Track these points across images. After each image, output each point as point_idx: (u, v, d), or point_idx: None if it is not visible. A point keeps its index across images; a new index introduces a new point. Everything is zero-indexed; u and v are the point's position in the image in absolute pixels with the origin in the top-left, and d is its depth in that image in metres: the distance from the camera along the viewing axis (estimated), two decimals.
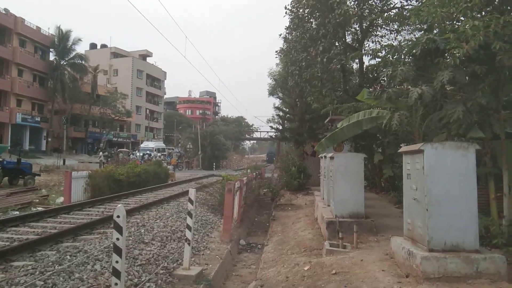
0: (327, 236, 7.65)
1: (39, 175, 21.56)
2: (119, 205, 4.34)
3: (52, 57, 48.12)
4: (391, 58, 7.56)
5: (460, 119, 6.04)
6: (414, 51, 6.79)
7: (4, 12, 40.93)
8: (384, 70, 7.68)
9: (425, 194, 4.84)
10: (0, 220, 9.28)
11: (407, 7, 13.92)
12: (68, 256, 6.26)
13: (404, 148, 6.10)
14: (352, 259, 5.79)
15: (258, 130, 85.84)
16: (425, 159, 4.87)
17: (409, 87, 8.33)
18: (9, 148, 29.87)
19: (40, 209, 12.04)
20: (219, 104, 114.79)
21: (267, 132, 74.77)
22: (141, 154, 43.89)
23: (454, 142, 5.47)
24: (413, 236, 5.27)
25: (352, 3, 14.35)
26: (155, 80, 74.97)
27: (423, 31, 7.62)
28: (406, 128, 7.97)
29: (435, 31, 7.07)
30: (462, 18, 7.03)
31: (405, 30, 14.59)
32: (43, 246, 7.10)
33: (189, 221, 6.24)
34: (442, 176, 4.83)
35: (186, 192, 15.42)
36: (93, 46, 69.82)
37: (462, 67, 6.48)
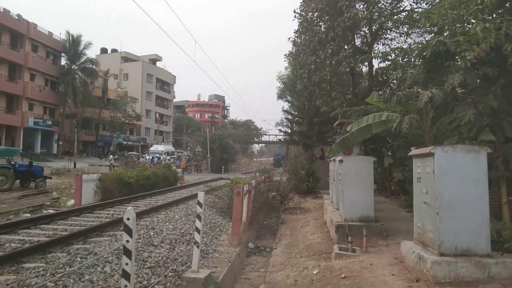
0: (336, 239, 7.61)
1: (50, 178, 21.79)
2: (129, 207, 4.38)
3: (63, 61, 48.94)
4: (401, 61, 7.52)
5: (471, 122, 5.98)
6: (424, 53, 6.75)
7: (17, 18, 41.65)
8: (394, 73, 7.65)
9: (436, 198, 4.80)
10: (12, 223, 9.41)
11: (417, 9, 13.86)
12: (78, 258, 6.31)
13: (414, 151, 6.05)
14: (362, 263, 5.75)
15: (267, 133, 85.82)
16: (436, 163, 4.83)
17: (419, 90, 8.28)
18: (21, 151, 30.29)
19: (51, 211, 12.18)
20: (228, 107, 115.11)
21: (276, 135, 74.53)
22: (151, 157, 44.20)
23: (465, 145, 5.40)
24: (423, 240, 5.22)
25: (362, 6, 14.32)
26: (165, 84, 75.52)
27: (433, 34, 7.58)
28: (416, 131, 7.90)
29: (445, 34, 7.02)
30: (473, 21, 6.97)
31: (415, 32, 14.50)
32: (54, 248, 7.17)
33: (198, 224, 6.25)
34: (453, 179, 4.78)
35: (195, 195, 15.51)
36: (103, 50, 70.64)
37: (473, 69, 6.42)
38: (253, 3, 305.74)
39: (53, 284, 5.05)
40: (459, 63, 6.29)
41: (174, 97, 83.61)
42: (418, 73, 6.73)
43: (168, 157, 47.41)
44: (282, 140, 39.85)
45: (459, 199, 4.76)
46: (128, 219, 4.09)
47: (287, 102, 40.35)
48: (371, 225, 7.55)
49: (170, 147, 57.67)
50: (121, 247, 6.50)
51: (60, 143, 46.90)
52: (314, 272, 5.87)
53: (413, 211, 5.75)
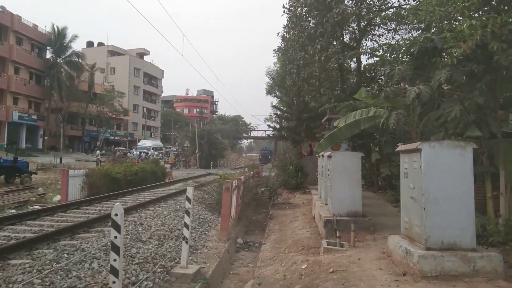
0: (324, 234, 7.67)
1: (35, 173, 21.48)
2: (117, 203, 4.34)
3: (48, 55, 47.99)
4: (389, 57, 7.58)
5: (458, 118, 6.07)
6: (411, 50, 6.81)
7: (0, 9, 40.72)
8: (382, 69, 7.70)
9: (423, 193, 4.86)
10: None
11: (404, 6, 13.95)
12: (65, 255, 6.24)
13: (401, 147, 6.11)
14: (350, 257, 5.81)
15: (256, 129, 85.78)
16: (423, 158, 4.89)
17: (407, 86, 8.36)
18: (5, 146, 29.75)
19: (37, 207, 12.01)
20: (216, 102, 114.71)
21: (265, 131, 74.44)
22: (138, 152, 43.84)
23: (451, 141, 5.47)
24: (410, 235, 5.29)
25: (350, 2, 14.37)
26: (152, 78, 74.84)
27: (420, 30, 7.64)
28: (403, 127, 7.99)
29: (432, 30, 7.09)
30: (459, 18, 7.05)
31: (402, 29, 14.63)
32: (40, 244, 7.08)
33: (187, 219, 6.24)
34: (439, 175, 4.85)
35: (184, 191, 15.45)
36: (90, 44, 69.60)
37: (459, 66, 6.49)
38: None
39: (40, 281, 4.99)
40: (446, 59, 6.36)
41: (162, 92, 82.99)
42: (406, 70, 6.79)
43: (156, 153, 47.06)
44: (271, 135, 39.88)
45: (446, 194, 4.83)
46: (116, 215, 4.06)
47: (276, 98, 40.39)
48: (359, 220, 7.62)
49: (158, 143, 57.28)
50: (109, 243, 6.45)
51: (46, 138, 46.16)
52: (303, 267, 5.92)
53: (400, 206, 5.82)
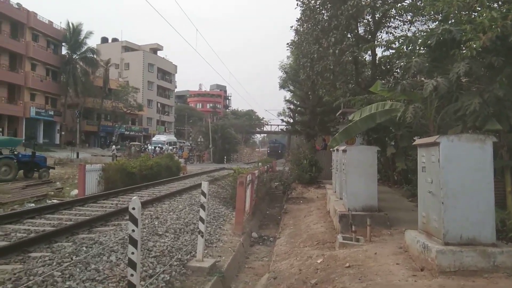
0: (339, 229, 7.64)
1: (53, 168, 21.91)
2: (134, 197, 4.39)
3: (64, 51, 48.68)
4: (405, 49, 7.45)
5: (477, 111, 5.95)
6: (429, 42, 6.68)
7: (17, 7, 41.37)
8: (398, 61, 7.59)
9: (441, 187, 4.79)
10: (17, 212, 9.48)
11: None
12: (84, 248, 6.35)
13: (419, 140, 6.02)
14: (366, 252, 5.77)
15: (269, 123, 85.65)
16: (441, 152, 4.81)
17: (423, 78, 8.23)
18: (23, 141, 30.36)
19: (55, 201, 12.25)
20: (229, 97, 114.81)
21: (278, 125, 74.20)
22: (153, 147, 44.26)
23: (470, 134, 5.37)
24: (428, 230, 5.23)
25: None
26: (166, 73, 75.25)
27: (438, 22, 7.49)
28: (420, 120, 7.87)
29: (450, 22, 6.94)
30: (478, 8, 6.89)
31: (419, 20, 14.35)
32: (59, 237, 7.22)
33: (202, 213, 6.27)
34: (458, 168, 4.77)
35: (198, 185, 15.56)
36: (104, 40, 70.30)
37: (478, 58, 6.36)
38: None
39: (60, 273, 5.09)
40: (465, 51, 6.23)
41: (176, 87, 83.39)
42: (423, 62, 6.68)
43: (170, 147, 47.47)
44: (284, 130, 39.67)
45: (464, 188, 4.75)
46: (133, 208, 4.09)
47: (289, 92, 40.22)
48: (375, 214, 7.56)
49: (172, 137, 57.70)
50: (126, 237, 6.55)
51: (63, 133, 46.99)
52: (318, 261, 5.91)
53: (418, 201, 5.75)
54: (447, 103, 7.18)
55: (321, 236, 7.86)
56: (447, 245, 4.66)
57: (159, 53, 75.40)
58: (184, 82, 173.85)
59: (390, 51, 9.38)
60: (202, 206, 6.31)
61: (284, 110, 53.90)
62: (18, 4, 41.81)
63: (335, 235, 7.51)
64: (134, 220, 4.10)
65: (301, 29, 16.95)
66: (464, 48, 6.52)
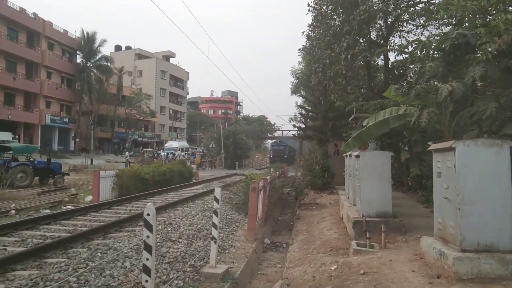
0: (353, 235, 7.56)
1: (68, 174, 22.22)
2: (149, 203, 4.41)
3: (79, 59, 49.66)
4: (419, 54, 7.39)
5: (493, 116, 5.86)
6: (443, 46, 6.61)
7: (33, 16, 42.31)
8: (412, 66, 7.53)
9: (457, 193, 4.71)
10: (33, 218, 9.62)
11: (433, 1, 13.57)
12: (99, 254, 6.41)
13: (434, 145, 5.95)
14: (381, 259, 5.70)
15: (280, 129, 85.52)
16: (457, 157, 4.74)
17: (437, 83, 8.14)
18: (39, 148, 30.89)
19: (70, 207, 12.41)
20: (241, 103, 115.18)
21: (289, 131, 73.84)
22: (166, 153, 44.58)
23: (487, 139, 5.28)
24: (444, 236, 5.14)
25: None
26: (178, 80, 75.95)
27: (452, 26, 7.42)
28: (435, 125, 7.77)
29: (465, 25, 6.87)
30: (493, 12, 6.81)
31: (432, 24, 14.22)
32: (75, 243, 7.31)
33: (215, 219, 6.28)
34: (474, 174, 4.69)
35: (210, 191, 15.60)
36: (118, 48, 71.39)
37: (494, 62, 6.27)
38: None
39: (75, 279, 5.14)
40: (480, 55, 6.16)
41: (188, 94, 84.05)
42: (437, 66, 6.61)
43: (182, 153, 47.74)
44: (296, 135, 39.37)
45: (481, 194, 4.66)
46: (148, 214, 4.12)
47: (301, 97, 40.14)
48: (389, 220, 7.47)
49: (184, 143, 58.06)
50: (140, 243, 6.60)
51: (77, 140, 47.72)
52: (332, 268, 5.85)
53: (433, 207, 5.66)
54: (462, 108, 7.09)
55: (334, 243, 7.79)
56: (464, 252, 4.57)
57: (171, 60, 76.22)
58: (196, 89, 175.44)
59: (403, 55, 9.32)
60: (215, 212, 6.32)
61: (295, 115, 53.76)
62: (34, 14, 42.77)
63: (348, 242, 7.44)
64: (148, 226, 4.12)
65: (312, 35, 16.93)
66: (479, 51, 6.45)
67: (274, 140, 68.02)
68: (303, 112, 32.28)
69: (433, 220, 5.63)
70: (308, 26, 16.73)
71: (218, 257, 6.76)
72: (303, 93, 35.80)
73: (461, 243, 4.62)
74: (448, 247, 4.88)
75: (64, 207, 12.66)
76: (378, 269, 5.29)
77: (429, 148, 5.98)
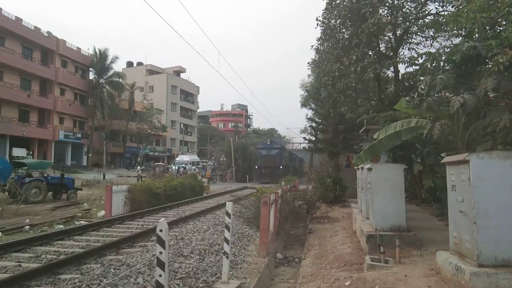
0: (367, 250, 7.46)
1: (81, 189, 22.42)
2: (162, 219, 4.43)
3: (91, 76, 50.53)
4: (429, 66, 7.38)
5: (507, 128, 5.79)
6: (454, 58, 6.59)
7: (47, 35, 43.37)
8: (422, 78, 7.51)
9: (472, 207, 4.64)
10: (47, 234, 9.71)
11: (442, 13, 13.59)
12: (112, 269, 6.42)
13: (447, 158, 5.89)
14: (396, 274, 5.61)
15: (290, 141, 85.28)
16: (471, 170, 4.68)
17: (447, 94, 8.10)
18: (52, 164, 31.31)
19: (83, 222, 12.49)
20: (250, 116, 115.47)
21: (299, 143, 73.65)
22: (177, 167, 44.76)
23: (501, 151, 5.22)
24: (460, 251, 5.05)
25: (386, 11, 14.16)
26: (189, 95, 76.73)
27: (462, 38, 7.41)
28: (448, 137, 7.71)
29: (475, 37, 6.86)
30: (503, 23, 6.79)
31: (441, 36, 14.21)
32: (88, 259, 7.34)
33: (227, 234, 6.26)
34: (490, 187, 4.62)
35: (222, 205, 15.59)
36: (129, 64, 72.62)
37: (506, 73, 6.23)
38: (273, 8, 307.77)
39: None
40: (491, 67, 6.12)
41: (198, 108, 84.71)
42: (448, 78, 6.58)
43: (193, 167, 47.89)
44: (306, 148, 39.04)
45: (498, 207, 4.58)
46: (161, 230, 4.13)
47: (311, 110, 40.06)
48: (404, 234, 7.36)
49: (195, 157, 58.27)
50: (152, 258, 6.60)
51: (90, 155, 48.26)
52: (346, 284, 5.77)
53: (448, 220, 5.58)
54: (475, 119, 7.03)
55: (348, 257, 7.69)
56: (481, 267, 4.48)
57: (182, 75, 77.12)
58: (206, 102, 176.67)
59: (413, 67, 9.31)
60: (227, 227, 6.31)
61: (306, 128, 53.56)
62: (48, 32, 43.85)
63: (362, 256, 7.34)
64: (161, 242, 4.13)
65: (321, 48, 17.04)
66: (490, 63, 6.42)
67: (260, 143, 49.21)
68: (313, 124, 32.23)
69: (448, 233, 5.54)
70: (316, 40, 16.87)
71: (231, 272, 6.72)
72: (313, 105, 35.77)
73: (478, 258, 4.53)
74: (465, 262, 4.79)
75: (77, 222, 12.76)
76: (393, 284, 5.20)
77: (442, 161, 5.93)
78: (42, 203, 17.97)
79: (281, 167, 35.28)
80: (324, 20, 15.74)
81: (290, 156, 44.43)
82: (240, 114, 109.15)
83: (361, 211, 10.34)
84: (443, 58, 7.23)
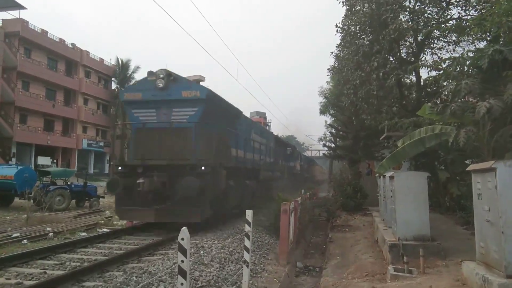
0: (390, 260, 7.31)
1: (103, 197, 22.76)
2: (183, 227, 4.44)
3: (114, 85, 51.60)
4: (453, 71, 7.23)
5: None
6: (479, 63, 6.44)
7: (71, 46, 44.64)
8: (445, 84, 7.37)
9: (500, 216, 4.50)
10: (71, 242, 9.88)
11: (465, 17, 13.33)
12: (134, 277, 6.47)
13: (473, 166, 5.73)
14: (420, 285, 5.47)
15: (309, 148, 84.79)
16: (498, 178, 4.55)
17: (471, 99, 7.91)
18: (76, 172, 32.01)
19: (105, 230, 12.67)
20: (269, 123, 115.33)
21: (318, 150, 73.16)
22: None
23: None
24: (487, 261, 4.89)
25: (407, 17, 13.99)
26: None
27: (487, 42, 7.25)
28: (473, 143, 7.51)
29: (501, 41, 6.69)
30: None
31: (464, 40, 13.92)
32: (111, 266, 7.42)
33: (247, 243, 6.23)
34: None
35: (240, 213, 15.53)
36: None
37: None
38: (293, 16, 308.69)
39: None
40: None
41: None
42: (473, 84, 6.44)
43: None
44: (326, 155, 38.57)
45: None
46: (182, 239, 4.14)
47: (330, 116, 39.79)
48: (428, 244, 7.18)
49: None
50: (173, 266, 6.62)
51: (112, 163, 49.09)
52: None
53: (475, 230, 5.42)
54: (502, 126, 6.83)
55: (370, 267, 7.55)
56: (510, 278, 4.33)
57: (201, 83, 77.67)
58: None
59: (436, 72, 9.14)
60: (247, 235, 6.28)
61: (325, 135, 53.03)
62: (72, 44, 45.12)
63: (385, 266, 7.19)
64: (183, 251, 4.13)
65: (341, 55, 16.94)
66: None
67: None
68: (333, 131, 31.95)
69: (474, 243, 5.39)
70: (336, 47, 16.79)
71: (251, 281, 6.68)
72: (332, 112, 35.52)
73: (506, 269, 4.39)
74: (492, 272, 4.64)
75: (100, 230, 12.94)
76: None
77: (467, 169, 5.77)
78: (65, 210, 18.35)
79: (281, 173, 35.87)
80: (344, 27, 15.66)
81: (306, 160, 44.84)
82: (259, 121, 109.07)
83: (383, 219, 10.18)
84: (468, 63, 7.08)
